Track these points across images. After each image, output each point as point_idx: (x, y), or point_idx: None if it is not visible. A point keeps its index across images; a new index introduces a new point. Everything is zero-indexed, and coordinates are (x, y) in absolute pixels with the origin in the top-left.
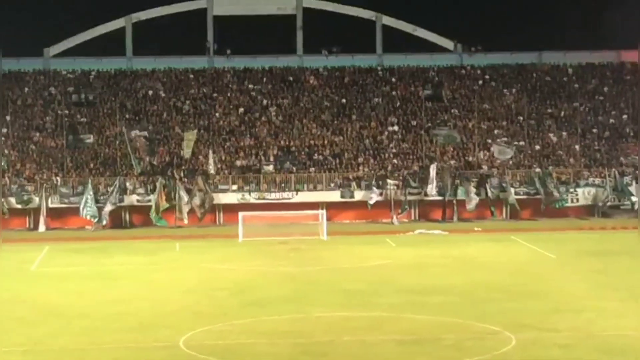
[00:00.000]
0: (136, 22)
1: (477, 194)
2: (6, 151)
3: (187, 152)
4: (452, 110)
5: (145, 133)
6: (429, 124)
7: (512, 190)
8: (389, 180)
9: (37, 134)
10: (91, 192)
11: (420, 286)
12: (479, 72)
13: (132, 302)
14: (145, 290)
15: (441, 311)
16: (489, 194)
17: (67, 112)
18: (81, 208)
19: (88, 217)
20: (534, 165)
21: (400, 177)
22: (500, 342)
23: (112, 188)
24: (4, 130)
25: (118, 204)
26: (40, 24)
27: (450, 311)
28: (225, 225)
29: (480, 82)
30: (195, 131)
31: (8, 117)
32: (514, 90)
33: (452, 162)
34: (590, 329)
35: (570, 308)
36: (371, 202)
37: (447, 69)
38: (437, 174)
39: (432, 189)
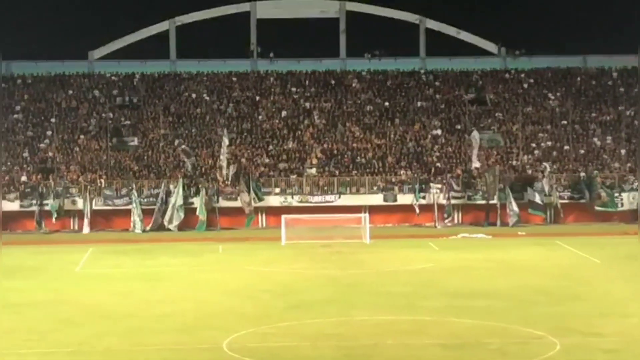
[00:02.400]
0: (180, 26)
1: (520, 198)
2: (50, 154)
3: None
4: (496, 114)
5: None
6: (473, 128)
7: (557, 194)
8: (432, 184)
9: (82, 136)
10: (137, 200)
11: (464, 290)
12: (523, 75)
13: (176, 303)
14: (189, 292)
15: (485, 315)
16: (536, 198)
17: (111, 114)
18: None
19: (137, 231)
20: (579, 170)
21: (444, 181)
22: (545, 347)
23: (159, 192)
24: (49, 132)
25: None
26: (84, 27)
27: (495, 315)
28: (268, 228)
29: (525, 85)
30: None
31: (53, 120)
32: (558, 94)
33: (497, 166)
34: (635, 333)
35: (615, 312)
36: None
37: (490, 73)
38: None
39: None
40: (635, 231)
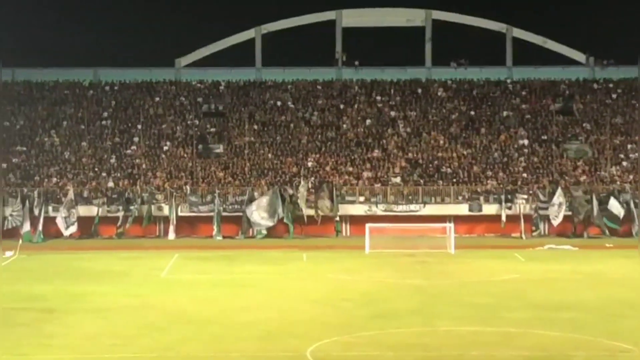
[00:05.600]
0: (266, 34)
1: (606, 209)
2: (137, 160)
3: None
4: (584, 124)
5: None
6: (560, 138)
7: None
8: (518, 195)
9: (168, 143)
10: (217, 206)
11: (550, 302)
12: (611, 85)
13: (260, 310)
14: (272, 299)
15: (571, 327)
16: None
17: (197, 122)
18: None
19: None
20: None
21: (530, 192)
22: None
23: (244, 199)
24: (136, 139)
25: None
26: (171, 35)
27: (581, 328)
28: (352, 237)
29: (613, 95)
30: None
31: (139, 126)
32: None
33: (583, 177)
34: None
35: None
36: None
37: (578, 82)
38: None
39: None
40: None
